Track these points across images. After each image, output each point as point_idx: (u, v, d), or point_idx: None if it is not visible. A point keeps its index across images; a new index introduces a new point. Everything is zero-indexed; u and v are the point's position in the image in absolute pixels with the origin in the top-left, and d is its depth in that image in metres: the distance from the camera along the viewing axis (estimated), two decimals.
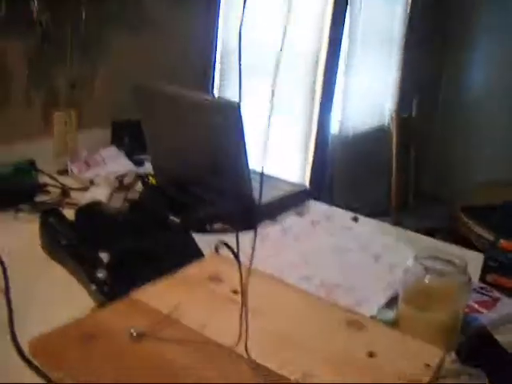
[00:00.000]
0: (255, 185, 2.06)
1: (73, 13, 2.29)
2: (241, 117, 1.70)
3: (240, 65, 0.88)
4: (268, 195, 1.96)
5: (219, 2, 2.98)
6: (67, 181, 2.25)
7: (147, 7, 2.63)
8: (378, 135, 4.71)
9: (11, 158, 2.12)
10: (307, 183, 4.01)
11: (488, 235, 3.21)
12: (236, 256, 1.01)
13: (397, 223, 3.08)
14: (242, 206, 1.67)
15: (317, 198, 2.19)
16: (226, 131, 1.78)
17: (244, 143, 1.75)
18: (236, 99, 2.82)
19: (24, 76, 2.24)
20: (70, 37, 2.33)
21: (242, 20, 0.97)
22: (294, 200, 2.08)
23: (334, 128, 4.28)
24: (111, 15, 2.48)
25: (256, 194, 1.84)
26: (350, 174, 4.38)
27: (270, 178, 2.26)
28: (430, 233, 2.05)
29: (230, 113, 1.71)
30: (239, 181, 1.80)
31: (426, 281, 1.20)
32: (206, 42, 2.97)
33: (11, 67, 2.20)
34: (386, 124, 4.80)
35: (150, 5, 2.64)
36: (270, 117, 1.12)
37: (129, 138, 2.52)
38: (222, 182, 1.86)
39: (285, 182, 2.23)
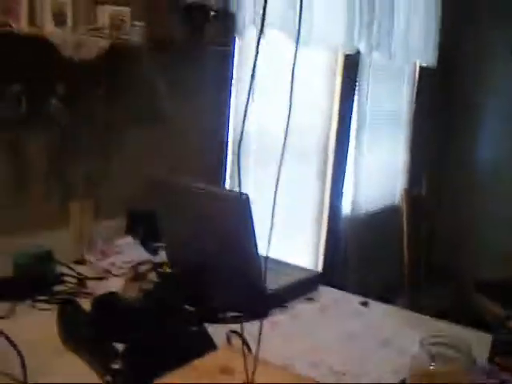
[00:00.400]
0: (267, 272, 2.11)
1: (90, 108, 2.40)
2: (250, 208, 1.77)
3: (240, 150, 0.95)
4: (278, 282, 2.01)
5: (230, 92, 3.09)
6: (84, 270, 2.30)
7: (161, 102, 2.75)
8: (389, 213, 4.76)
9: (29, 247, 2.18)
10: (320, 264, 4.06)
11: (500, 312, 3.19)
12: (246, 345, 1.05)
13: (410, 302, 3.10)
14: (253, 294, 1.71)
15: (329, 282, 2.23)
16: (236, 222, 1.84)
17: (253, 233, 1.82)
18: (248, 189, 2.91)
19: (43, 168, 2.33)
20: (87, 131, 2.44)
21: (246, 116, 1.04)
22: (304, 286, 2.12)
23: (346, 208, 4.33)
24: (127, 111, 2.60)
25: (267, 282, 1.90)
26: (362, 254, 4.40)
27: (280, 263, 2.32)
28: (443, 311, 2.06)
29: (240, 205, 1.79)
30: (250, 270, 1.85)
31: (431, 367, 1.23)
32: (217, 131, 3.07)
33: (30, 160, 2.30)
34: (398, 202, 4.85)
35: (163, 99, 2.76)
36: (275, 200, 1.19)
37: (144, 227, 2.58)
38: (234, 271, 1.91)
39: (296, 267, 2.28)
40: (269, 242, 1.39)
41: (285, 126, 2.97)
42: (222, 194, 1.97)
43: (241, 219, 1.83)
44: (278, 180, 1.10)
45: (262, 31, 2.60)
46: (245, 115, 1.11)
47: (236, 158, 3.24)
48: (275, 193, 1.90)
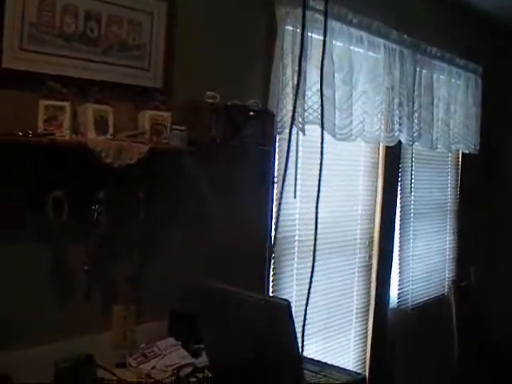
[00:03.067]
0: (308, 374, 2.06)
1: (131, 213, 2.43)
2: (291, 315, 1.74)
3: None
4: None
5: (272, 191, 3.10)
6: (125, 374, 2.28)
7: (203, 203, 2.78)
8: (438, 305, 4.64)
9: (71, 352, 2.17)
10: (367, 361, 3.95)
11: None
12: None
13: None
14: None
15: (376, 377, 2.16)
16: (277, 328, 1.81)
17: (295, 338, 1.78)
18: (287, 297, 2.88)
19: (84, 272, 2.34)
20: (128, 235, 2.46)
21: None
22: None
23: (393, 301, 4.25)
24: (168, 213, 2.62)
25: None
26: (411, 348, 4.27)
27: (325, 366, 2.26)
28: None
29: (280, 312, 1.76)
30: (292, 375, 1.81)
31: None
32: (260, 231, 3.07)
33: (73, 265, 2.32)
34: (446, 293, 4.74)
35: (205, 200, 2.79)
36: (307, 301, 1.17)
37: (186, 328, 2.55)
38: (275, 376, 1.87)
39: (341, 370, 2.23)
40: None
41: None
42: (262, 300, 1.93)
43: (282, 325, 1.81)
44: (309, 286, 1.07)
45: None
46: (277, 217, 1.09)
47: (278, 260, 3.21)
48: (308, 293, 1.88)
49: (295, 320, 3.21)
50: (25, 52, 2.11)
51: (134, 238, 2.48)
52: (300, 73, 2.83)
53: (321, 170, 1.98)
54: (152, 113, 2.42)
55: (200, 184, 2.77)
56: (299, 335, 1.81)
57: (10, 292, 2.13)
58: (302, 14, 2.94)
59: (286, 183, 3.13)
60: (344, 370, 2.27)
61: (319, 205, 1.97)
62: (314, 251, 1.75)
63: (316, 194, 1.94)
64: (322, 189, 3.43)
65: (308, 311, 3.37)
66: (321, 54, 3.08)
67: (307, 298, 1.01)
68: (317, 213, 1.85)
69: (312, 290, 3.40)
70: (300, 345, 1.81)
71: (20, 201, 2.14)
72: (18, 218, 2.14)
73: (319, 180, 1.90)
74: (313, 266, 1.65)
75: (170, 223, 2.64)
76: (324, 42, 2.37)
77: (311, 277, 1.10)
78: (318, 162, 3.36)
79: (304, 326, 1.11)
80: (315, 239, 1.77)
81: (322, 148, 1.91)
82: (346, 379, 2.13)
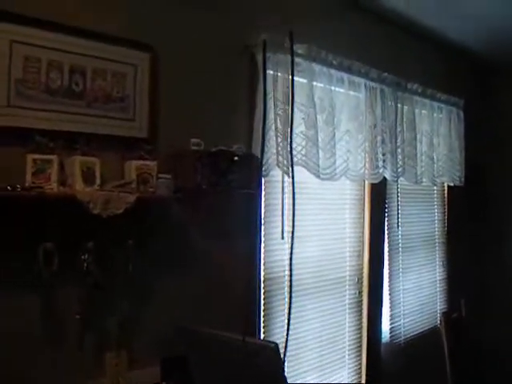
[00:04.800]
0: None
1: (121, 261, 2.46)
2: (279, 356, 1.77)
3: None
4: None
5: (260, 233, 3.13)
6: None
7: (190, 248, 2.81)
8: (430, 338, 4.66)
9: None
10: None
11: None
12: None
13: None
14: None
15: None
16: (266, 370, 1.84)
17: (284, 380, 1.81)
18: (279, 337, 2.89)
19: (76, 320, 2.36)
20: (118, 282, 2.49)
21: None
22: None
23: (385, 336, 4.27)
24: (157, 259, 2.66)
25: None
26: (405, 383, 4.28)
27: None
28: None
29: (268, 354, 1.79)
30: None
31: None
32: (248, 273, 3.09)
33: (63, 313, 2.34)
34: (438, 325, 4.77)
35: (192, 245, 2.83)
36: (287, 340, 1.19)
37: (178, 373, 2.56)
38: None
39: None
40: None
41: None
42: (251, 343, 1.96)
43: (270, 367, 1.83)
44: (288, 326, 1.09)
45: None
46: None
47: (268, 302, 3.23)
48: (287, 333, 1.87)
49: (287, 359, 3.25)
50: (12, 108, 2.17)
51: (124, 286, 2.51)
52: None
53: (294, 210, 2.03)
54: (138, 162, 2.47)
55: (188, 230, 2.81)
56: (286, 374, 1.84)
57: (1, 344, 2.15)
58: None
59: (273, 224, 3.19)
60: None
61: (294, 245, 2.01)
62: (291, 291, 1.79)
63: (291, 233, 1.98)
64: (309, 228, 3.51)
65: (301, 350, 3.44)
66: (303, 97, 3.21)
67: (286, 340, 1.03)
68: (291, 253, 1.89)
69: (304, 328, 3.48)
70: None
71: (10, 253, 2.16)
72: (9, 270, 2.16)
73: (293, 221, 1.95)
74: (290, 306, 1.69)
75: (160, 269, 2.68)
76: (292, 80, 2.41)
77: (289, 318, 1.12)
78: (305, 202, 3.45)
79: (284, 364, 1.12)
80: (291, 279, 1.81)
81: (293, 189, 1.96)
82: None
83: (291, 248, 1.94)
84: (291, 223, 3.15)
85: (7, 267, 2.16)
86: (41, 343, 2.29)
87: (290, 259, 1.92)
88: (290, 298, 1.92)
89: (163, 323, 2.62)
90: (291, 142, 2.99)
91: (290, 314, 1.86)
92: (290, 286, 1.93)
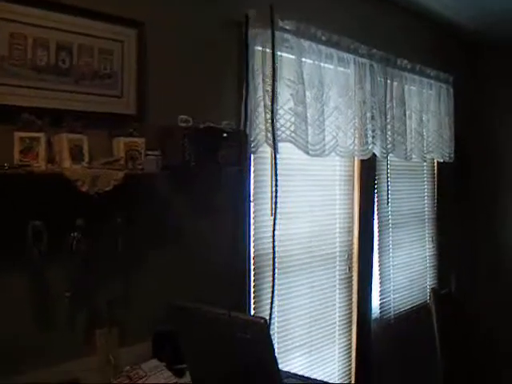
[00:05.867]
0: None
1: (110, 238, 2.47)
2: (269, 333, 1.79)
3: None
4: None
5: (249, 209, 3.15)
6: None
7: (180, 224, 2.83)
8: (420, 314, 4.70)
9: (56, 378, 2.23)
10: (352, 372, 3.99)
11: None
12: None
13: None
14: None
15: None
16: (255, 345, 1.85)
17: (273, 357, 1.82)
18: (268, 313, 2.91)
19: (65, 299, 2.36)
20: (108, 259, 2.49)
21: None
22: None
23: (375, 312, 4.30)
24: (147, 236, 2.67)
25: None
26: (395, 359, 4.32)
27: (307, 380, 2.30)
28: None
29: (258, 329, 1.80)
30: None
31: None
32: (239, 249, 3.11)
33: (53, 292, 2.34)
34: (428, 301, 4.80)
35: (182, 222, 2.84)
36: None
37: (169, 349, 2.58)
38: None
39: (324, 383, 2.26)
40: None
41: (305, 234, 2.99)
42: (240, 319, 1.97)
43: (260, 342, 1.85)
44: (272, 301, 1.10)
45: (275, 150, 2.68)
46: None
47: (258, 275, 3.25)
48: (271, 308, 1.87)
49: (275, 336, 3.28)
50: None
51: (114, 263, 2.51)
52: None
53: (276, 187, 2.03)
54: (126, 139, 2.46)
55: (177, 206, 2.81)
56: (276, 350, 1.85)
57: None
58: (272, 34, 3.03)
59: (263, 201, 3.19)
60: (327, 383, 2.30)
61: (276, 221, 2.02)
62: (274, 268, 1.81)
63: (273, 210, 1.99)
64: (299, 204, 3.53)
65: (290, 325, 3.46)
66: (292, 73, 3.20)
67: (270, 315, 1.04)
68: (274, 230, 1.90)
69: (294, 304, 3.50)
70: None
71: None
72: None
73: (275, 197, 1.96)
74: (273, 282, 1.70)
75: (149, 246, 2.68)
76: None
77: (272, 294, 1.14)
78: (296, 178, 3.46)
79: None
80: (274, 256, 1.83)
81: (276, 165, 1.97)
82: None
83: (274, 224, 1.95)
84: (272, 200, 3.17)
85: None
86: (30, 321, 2.29)
87: (273, 236, 1.93)
88: (274, 274, 1.93)
89: (153, 300, 2.63)
90: (273, 117, 2.97)
91: (273, 290, 1.87)
92: (273, 263, 1.94)
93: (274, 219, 2.04)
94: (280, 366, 2.04)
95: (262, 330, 1.79)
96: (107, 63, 2.48)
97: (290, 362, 3.48)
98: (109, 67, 2.48)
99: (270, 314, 1.96)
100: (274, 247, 1.92)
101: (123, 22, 2.53)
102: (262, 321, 1.79)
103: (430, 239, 5.05)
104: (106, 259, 2.49)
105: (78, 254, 2.33)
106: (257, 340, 1.83)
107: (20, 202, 2.19)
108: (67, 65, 2.34)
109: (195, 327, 2.14)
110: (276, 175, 3.09)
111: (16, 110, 2.16)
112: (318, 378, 2.58)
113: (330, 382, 2.53)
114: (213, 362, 2.10)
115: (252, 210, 3.17)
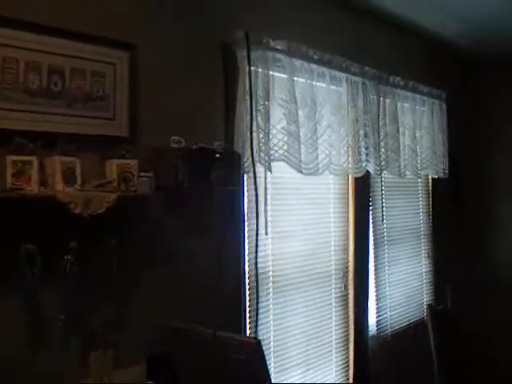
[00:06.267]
0: None
1: (104, 260, 2.46)
2: (262, 352, 1.78)
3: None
4: None
5: (243, 229, 3.15)
6: None
7: (174, 245, 2.82)
8: (417, 330, 4.69)
9: None
10: None
11: None
12: None
13: None
14: None
15: None
16: (250, 366, 1.85)
17: (267, 377, 1.82)
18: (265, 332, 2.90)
19: (59, 322, 2.35)
20: (102, 282, 2.49)
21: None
22: None
23: (372, 329, 4.29)
24: (141, 257, 2.66)
25: None
26: (392, 376, 4.30)
27: None
28: None
29: (252, 350, 1.80)
30: None
31: None
32: (234, 268, 3.10)
33: (47, 315, 2.34)
34: (425, 318, 4.80)
35: (176, 242, 2.84)
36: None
37: (164, 371, 2.57)
38: None
39: None
40: None
41: (300, 252, 2.98)
42: (233, 339, 1.98)
43: (254, 363, 1.86)
44: (257, 319, 1.10)
45: (269, 168, 2.68)
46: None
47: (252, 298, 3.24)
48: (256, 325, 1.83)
49: (272, 355, 3.27)
50: None
51: (108, 285, 2.51)
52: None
53: (266, 206, 2.04)
54: (119, 161, 2.47)
55: (170, 227, 2.81)
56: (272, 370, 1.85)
57: None
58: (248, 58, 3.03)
59: (255, 221, 3.19)
60: None
61: (264, 242, 2.02)
62: (257, 287, 1.81)
63: (256, 229, 1.99)
64: (294, 223, 3.53)
65: (286, 345, 3.45)
66: (284, 92, 3.22)
67: (255, 336, 1.04)
68: (256, 251, 1.91)
69: (289, 323, 3.49)
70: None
71: None
72: None
73: (265, 217, 1.96)
74: (257, 302, 1.71)
75: (143, 268, 2.68)
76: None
77: (257, 313, 1.13)
78: (290, 197, 3.47)
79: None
80: (257, 276, 1.84)
81: (266, 184, 1.98)
82: None
83: (256, 245, 1.95)
84: (266, 219, 3.17)
85: None
86: (24, 344, 2.29)
87: (255, 257, 1.94)
88: (257, 294, 1.93)
89: (147, 321, 2.62)
90: (250, 137, 2.97)
91: (257, 310, 1.87)
92: (257, 282, 1.93)
93: (257, 239, 2.04)
94: None
95: (255, 350, 1.79)
96: (99, 86, 2.49)
97: (286, 380, 3.46)
98: (101, 90, 2.50)
99: (256, 333, 1.96)
100: (256, 268, 1.92)
101: (116, 44, 2.55)
102: (255, 341, 1.80)
103: (426, 255, 5.05)
104: (99, 281, 2.49)
105: (71, 277, 2.33)
106: (251, 360, 1.84)
107: (13, 225, 2.19)
108: (59, 88, 2.36)
109: (190, 348, 2.15)
110: (266, 194, 3.11)
111: (8, 133, 2.18)
112: None
113: None
114: (208, 382, 2.10)
115: (246, 229, 3.17)
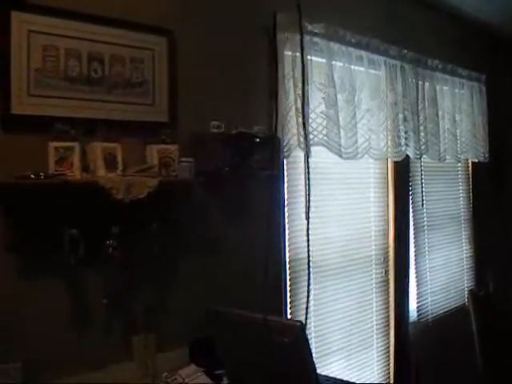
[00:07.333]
0: None
1: (146, 244, 2.48)
2: (305, 336, 1.78)
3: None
4: None
5: (283, 214, 3.14)
6: None
7: (215, 230, 2.84)
8: (458, 316, 4.63)
9: None
10: (391, 378, 3.95)
11: None
12: None
13: None
14: None
15: None
16: (292, 348, 1.85)
17: (310, 360, 1.81)
18: (302, 318, 2.90)
19: (103, 306, 2.38)
20: (144, 266, 2.51)
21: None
22: None
23: (412, 315, 4.25)
24: (182, 242, 2.68)
25: None
26: (434, 362, 4.27)
27: None
28: None
29: (294, 333, 1.79)
30: None
31: None
32: (274, 254, 3.10)
33: (91, 298, 2.37)
34: (466, 304, 4.74)
35: (217, 227, 2.85)
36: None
37: (207, 354, 2.58)
38: None
39: None
40: None
41: (341, 238, 2.97)
42: (276, 323, 1.97)
43: (297, 346, 1.84)
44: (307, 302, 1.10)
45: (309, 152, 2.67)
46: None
47: (294, 280, 3.24)
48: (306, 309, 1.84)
49: (313, 340, 3.26)
50: (32, 97, 2.18)
51: (150, 269, 2.53)
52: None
53: (309, 191, 2.03)
54: (159, 147, 2.48)
55: (211, 212, 2.82)
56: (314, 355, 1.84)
57: (33, 329, 2.19)
58: (300, 38, 3.02)
59: (297, 205, 3.18)
60: None
61: (310, 224, 2.00)
62: (309, 271, 1.80)
63: (307, 214, 1.98)
64: (334, 208, 3.51)
65: (327, 330, 3.44)
66: (322, 76, 3.20)
67: (305, 319, 1.04)
68: (308, 234, 1.89)
69: (330, 308, 3.48)
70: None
71: (38, 241, 2.20)
72: (37, 257, 2.20)
73: (308, 201, 1.95)
74: (308, 286, 1.70)
75: (185, 252, 2.69)
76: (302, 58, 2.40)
77: (308, 299, 1.14)
78: (330, 182, 3.45)
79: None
80: (308, 260, 1.83)
81: (308, 169, 1.97)
82: None
83: (307, 228, 1.95)
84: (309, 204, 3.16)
85: (35, 254, 2.20)
86: (69, 327, 2.32)
87: (308, 240, 1.93)
88: (309, 278, 1.92)
89: (190, 305, 2.64)
90: (304, 121, 2.97)
91: (308, 295, 1.87)
92: (308, 267, 1.93)
93: (308, 223, 2.04)
94: (318, 371, 2.03)
95: (298, 333, 1.78)
96: (138, 72, 2.50)
97: (327, 366, 3.46)
98: (140, 76, 2.51)
99: (306, 318, 1.95)
100: (308, 250, 1.91)
101: (153, 30, 2.55)
102: (299, 324, 1.79)
103: (467, 240, 4.99)
104: (141, 266, 2.51)
105: (114, 261, 2.34)
106: (294, 343, 1.83)
107: (56, 210, 2.22)
108: (99, 74, 2.37)
109: (232, 332, 2.15)
110: (309, 179, 3.09)
111: (50, 120, 2.20)
112: (357, 383, 2.54)
113: None
114: (250, 366, 2.10)
115: (286, 214, 3.16)
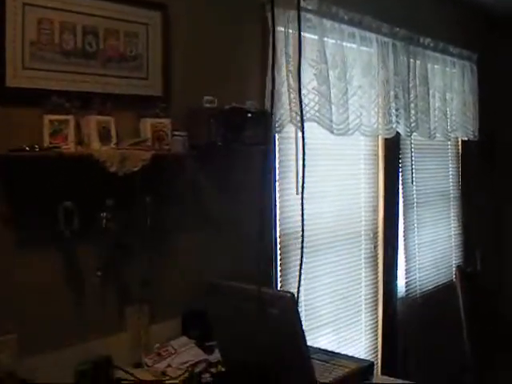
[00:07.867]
0: (318, 364, 2.14)
1: (139, 217, 2.51)
2: (295, 307, 1.81)
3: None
4: (332, 375, 2.02)
5: (274, 188, 3.18)
6: (141, 374, 2.36)
7: (207, 204, 2.87)
8: (446, 292, 4.70)
9: (88, 355, 2.27)
10: (379, 349, 4.02)
11: None
12: None
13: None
14: None
15: (389, 367, 2.22)
16: (283, 320, 1.88)
17: (301, 331, 1.85)
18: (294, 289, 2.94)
19: (97, 277, 2.41)
20: (137, 238, 2.54)
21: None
22: (358, 376, 2.13)
23: (401, 290, 4.31)
24: (176, 215, 2.71)
25: (317, 375, 1.92)
26: (421, 336, 4.33)
27: (334, 355, 2.33)
28: None
29: (286, 304, 1.83)
30: (300, 365, 1.88)
31: None
32: (265, 227, 3.11)
33: (85, 270, 2.40)
34: (453, 280, 4.80)
35: (209, 201, 2.88)
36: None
37: (199, 326, 2.62)
38: (284, 367, 1.94)
39: (350, 358, 2.29)
40: None
41: (331, 213, 2.98)
42: (268, 294, 2.00)
43: (288, 317, 1.87)
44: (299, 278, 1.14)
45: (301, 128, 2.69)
46: None
47: (284, 254, 3.28)
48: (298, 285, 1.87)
49: (303, 313, 3.31)
50: (27, 70, 2.19)
51: (144, 242, 2.56)
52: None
53: (304, 167, 2.05)
54: (153, 120, 2.50)
55: (204, 186, 2.85)
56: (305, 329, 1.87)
57: (27, 300, 2.22)
58: (298, 14, 3.02)
59: (288, 180, 3.22)
60: (353, 358, 2.33)
61: (304, 199, 2.03)
62: (302, 246, 1.83)
63: (301, 188, 2.00)
64: (324, 184, 3.55)
65: (317, 303, 3.49)
66: (314, 52, 3.21)
67: (298, 292, 1.07)
68: (302, 207, 1.92)
69: (320, 282, 3.53)
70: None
71: (32, 213, 2.22)
72: (32, 229, 2.23)
73: (303, 177, 1.97)
74: (301, 260, 1.73)
75: (178, 225, 2.73)
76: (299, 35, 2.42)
77: (300, 272, 1.17)
78: (321, 158, 3.48)
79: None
80: (302, 234, 1.85)
81: (303, 143, 1.99)
82: (355, 366, 2.19)
83: (302, 203, 1.97)
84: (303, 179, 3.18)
85: (30, 226, 2.22)
86: (63, 299, 2.34)
87: (302, 215, 1.94)
88: (302, 252, 1.95)
89: (182, 277, 2.69)
90: (300, 96, 2.99)
91: (301, 267, 1.90)
92: (302, 241, 1.96)
93: (302, 197, 2.06)
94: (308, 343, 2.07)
95: (289, 303, 1.82)
96: (133, 46, 2.51)
97: (317, 339, 3.51)
98: (134, 50, 2.52)
99: (298, 291, 1.98)
100: (303, 225, 1.94)
101: (147, 4, 2.56)
102: (290, 295, 1.82)
103: (455, 218, 5.04)
104: (135, 238, 2.54)
105: (108, 234, 2.37)
106: (285, 314, 1.86)
107: (51, 183, 2.24)
108: (94, 48, 2.38)
109: (224, 304, 2.18)
110: (304, 154, 3.11)
111: (45, 93, 2.21)
112: (348, 354, 2.59)
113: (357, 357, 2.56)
114: (241, 337, 2.13)
115: (277, 189, 3.20)
